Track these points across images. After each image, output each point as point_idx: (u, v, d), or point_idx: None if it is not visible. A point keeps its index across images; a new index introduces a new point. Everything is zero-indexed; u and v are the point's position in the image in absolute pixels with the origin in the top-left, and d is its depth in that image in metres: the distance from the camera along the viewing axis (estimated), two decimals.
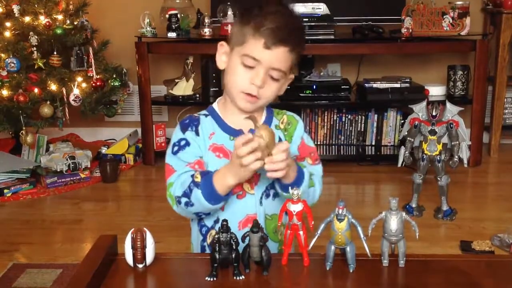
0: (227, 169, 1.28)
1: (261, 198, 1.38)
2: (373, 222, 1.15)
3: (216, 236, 1.12)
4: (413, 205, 2.76)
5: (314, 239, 1.15)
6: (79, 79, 3.32)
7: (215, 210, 1.34)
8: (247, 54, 1.31)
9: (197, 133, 1.37)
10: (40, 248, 2.48)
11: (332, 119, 3.75)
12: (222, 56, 1.39)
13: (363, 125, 3.75)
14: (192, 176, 1.30)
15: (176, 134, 1.39)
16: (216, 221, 1.38)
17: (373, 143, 3.76)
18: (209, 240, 1.40)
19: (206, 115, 1.41)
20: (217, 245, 1.11)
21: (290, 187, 1.17)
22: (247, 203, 1.37)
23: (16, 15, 3.18)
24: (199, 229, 1.42)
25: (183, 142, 1.37)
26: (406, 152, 2.74)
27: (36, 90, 3.13)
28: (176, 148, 1.37)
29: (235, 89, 1.35)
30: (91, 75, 3.37)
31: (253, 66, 1.31)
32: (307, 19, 3.52)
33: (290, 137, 1.42)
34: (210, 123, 1.39)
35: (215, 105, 1.43)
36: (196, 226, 1.44)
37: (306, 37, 3.43)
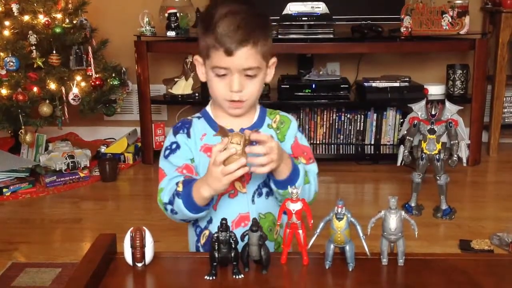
0: (203, 180, 1.27)
1: (253, 196, 1.38)
2: (372, 221, 1.15)
3: (215, 235, 1.12)
4: (412, 204, 2.76)
5: (313, 238, 1.15)
6: (78, 78, 3.32)
7: (200, 218, 1.36)
8: (215, 66, 1.32)
9: (188, 135, 1.39)
10: (39, 247, 2.48)
11: (331, 118, 3.75)
12: (200, 68, 1.41)
13: (362, 124, 3.75)
14: (177, 184, 1.32)
15: (169, 138, 1.42)
16: (210, 222, 1.39)
17: (372, 142, 3.76)
18: (202, 241, 1.41)
19: (199, 118, 1.44)
20: (216, 244, 1.11)
21: (289, 186, 1.17)
22: (239, 202, 1.38)
23: (15, 14, 3.18)
24: (194, 230, 1.43)
25: (174, 146, 1.39)
26: (405, 151, 2.74)
27: (35, 89, 3.13)
28: (167, 152, 1.39)
29: (219, 99, 1.36)
30: (90, 74, 3.37)
31: (225, 74, 1.32)
32: (306, 18, 3.52)
33: (283, 135, 1.43)
34: (202, 125, 1.41)
35: (208, 107, 1.45)
36: (191, 226, 1.45)
37: (305, 36, 3.50)
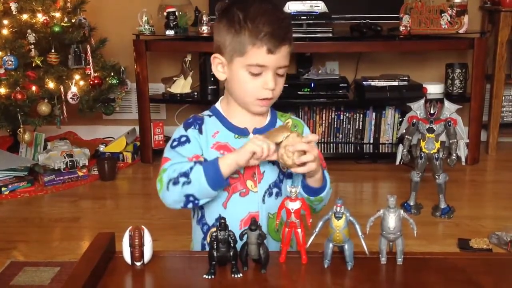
0: (233, 152, 1.30)
1: (263, 196, 1.38)
2: (371, 220, 1.15)
3: (214, 234, 1.12)
4: (411, 203, 2.76)
5: (312, 237, 1.15)
6: (77, 77, 3.32)
7: (208, 196, 1.31)
8: (252, 63, 1.31)
9: (200, 131, 1.37)
10: (38, 246, 2.48)
11: (330, 117, 3.75)
12: (218, 67, 1.38)
13: (361, 123, 3.75)
14: (194, 162, 1.30)
15: (178, 131, 1.39)
16: (218, 219, 1.38)
17: (371, 141, 3.77)
18: (209, 239, 1.40)
19: (209, 116, 1.41)
20: (215, 243, 1.11)
21: (288, 185, 1.17)
22: (250, 201, 1.37)
23: (14, 12, 3.18)
24: (201, 228, 1.42)
25: (183, 139, 1.36)
26: (404, 150, 2.74)
27: (33, 88, 3.13)
28: (175, 143, 1.36)
29: (249, 98, 1.35)
30: (89, 73, 3.37)
31: (260, 72, 1.32)
32: (305, 17, 3.52)
33: None
34: (214, 123, 1.39)
35: (218, 105, 1.43)
36: (198, 224, 1.43)
37: (304, 35, 3.50)
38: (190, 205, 1.32)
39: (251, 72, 1.32)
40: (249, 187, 1.37)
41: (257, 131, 1.37)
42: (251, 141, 1.28)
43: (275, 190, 1.39)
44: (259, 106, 1.36)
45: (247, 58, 1.31)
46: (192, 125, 1.38)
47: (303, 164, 1.26)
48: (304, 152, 1.25)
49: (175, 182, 1.28)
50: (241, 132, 1.37)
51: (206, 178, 1.26)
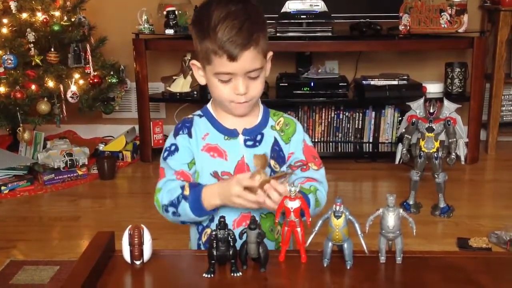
0: (218, 189, 1.30)
1: None
2: (371, 219, 1.15)
3: (214, 233, 1.12)
4: (410, 202, 2.76)
5: (312, 236, 1.15)
6: (77, 76, 3.31)
7: (200, 220, 1.38)
8: (218, 72, 1.30)
9: (189, 135, 1.38)
10: (37, 245, 2.48)
11: (329, 116, 3.75)
12: (199, 72, 1.39)
13: (360, 122, 3.75)
14: (182, 188, 1.33)
15: (169, 139, 1.42)
16: (211, 220, 1.39)
17: (371, 140, 3.77)
18: (204, 239, 1.41)
19: (200, 116, 1.42)
20: (215, 241, 1.12)
21: (287, 185, 1.17)
22: None
23: (13, 11, 3.17)
24: (196, 228, 1.43)
25: (173, 147, 1.39)
26: (404, 149, 2.74)
27: (33, 86, 3.13)
28: (166, 154, 1.40)
29: (225, 102, 1.35)
30: (89, 72, 3.37)
31: (229, 79, 1.31)
32: (304, 16, 3.52)
33: (288, 138, 1.42)
34: (204, 124, 1.40)
35: (209, 106, 1.43)
36: (193, 225, 1.44)
37: (304, 34, 3.49)
38: (187, 223, 1.41)
39: (220, 80, 1.31)
40: None
41: (246, 132, 1.38)
42: (239, 196, 1.26)
43: None
44: (236, 109, 1.35)
45: (213, 67, 1.30)
46: (181, 130, 1.39)
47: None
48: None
49: (167, 210, 1.36)
50: (231, 134, 1.37)
51: (192, 212, 1.32)
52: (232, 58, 1.26)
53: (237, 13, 1.27)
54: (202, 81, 1.39)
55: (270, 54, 1.38)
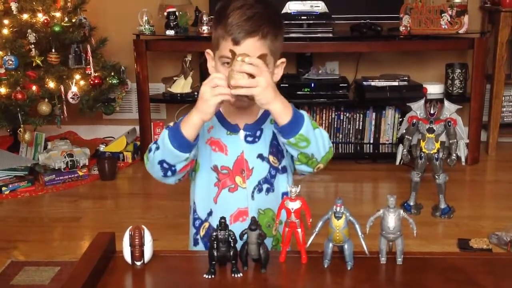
0: (193, 108, 1.29)
1: (253, 192, 1.39)
2: (371, 220, 1.15)
3: (214, 233, 1.12)
4: (411, 203, 2.76)
5: (312, 237, 1.15)
6: (77, 76, 3.32)
7: (179, 159, 1.30)
8: (222, 55, 1.31)
9: None
10: (38, 246, 2.48)
11: (330, 117, 3.75)
12: (211, 62, 1.40)
13: (361, 123, 3.75)
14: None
15: None
16: (210, 214, 1.40)
17: (371, 141, 3.77)
18: (202, 233, 1.41)
19: None
20: (215, 242, 1.12)
21: (288, 185, 1.17)
22: (239, 197, 1.38)
23: (14, 12, 3.18)
24: (192, 222, 1.44)
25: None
26: (404, 150, 2.74)
27: (34, 87, 3.13)
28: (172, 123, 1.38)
29: None
30: (89, 73, 3.37)
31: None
32: (305, 17, 3.52)
33: None
34: None
35: None
36: (192, 219, 1.45)
37: (304, 35, 3.49)
38: (169, 173, 1.33)
39: (223, 63, 1.32)
40: (238, 183, 1.38)
41: (247, 128, 1.38)
42: (203, 85, 1.26)
43: (265, 186, 1.39)
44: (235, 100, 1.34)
45: (219, 51, 1.33)
46: None
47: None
48: (253, 77, 1.22)
49: (150, 149, 1.33)
50: (232, 129, 1.38)
51: (169, 140, 1.28)
52: (236, 42, 1.28)
53: (253, 6, 1.31)
54: (212, 71, 1.39)
55: (282, 60, 1.38)
